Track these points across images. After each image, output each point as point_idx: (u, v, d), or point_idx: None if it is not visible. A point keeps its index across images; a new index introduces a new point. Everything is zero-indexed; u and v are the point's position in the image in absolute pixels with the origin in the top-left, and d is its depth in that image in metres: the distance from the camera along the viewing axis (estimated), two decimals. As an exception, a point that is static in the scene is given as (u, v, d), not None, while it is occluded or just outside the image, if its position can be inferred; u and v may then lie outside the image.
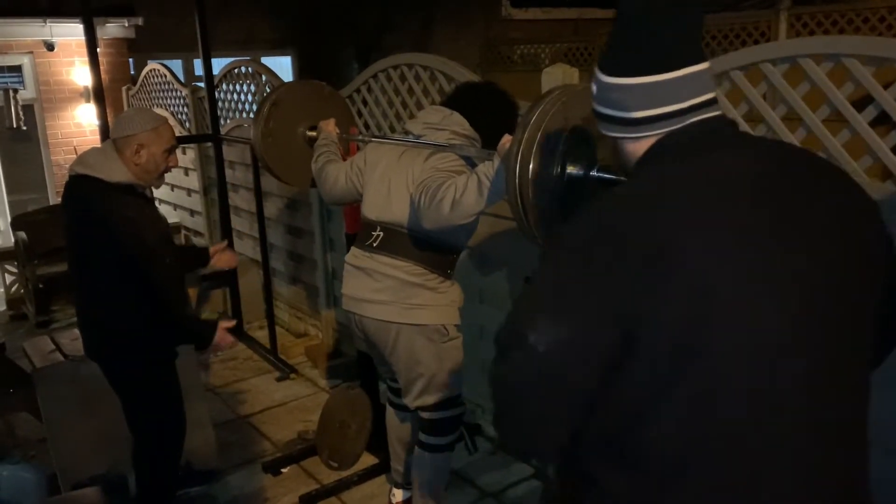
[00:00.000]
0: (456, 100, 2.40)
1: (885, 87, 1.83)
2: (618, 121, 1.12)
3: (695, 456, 1.01)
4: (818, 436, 1.02)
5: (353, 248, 2.45)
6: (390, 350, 2.37)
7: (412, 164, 2.29)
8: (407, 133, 2.42)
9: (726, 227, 0.97)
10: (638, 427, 1.02)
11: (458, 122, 2.30)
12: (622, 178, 1.51)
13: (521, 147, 1.47)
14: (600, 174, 1.53)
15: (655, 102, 1.07)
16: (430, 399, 2.41)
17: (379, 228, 2.35)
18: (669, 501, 1.04)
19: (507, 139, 1.91)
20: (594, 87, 1.15)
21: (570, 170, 1.52)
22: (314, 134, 2.86)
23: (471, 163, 2.23)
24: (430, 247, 2.28)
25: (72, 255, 2.42)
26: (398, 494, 2.81)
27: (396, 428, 2.74)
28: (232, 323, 2.53)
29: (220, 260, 2.80)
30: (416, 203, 2.15)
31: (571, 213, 1.54)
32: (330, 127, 2.79)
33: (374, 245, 2.34)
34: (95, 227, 2.28)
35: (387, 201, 2.33)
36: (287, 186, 3.81)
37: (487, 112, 2.32)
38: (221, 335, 2.43)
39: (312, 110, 2.96)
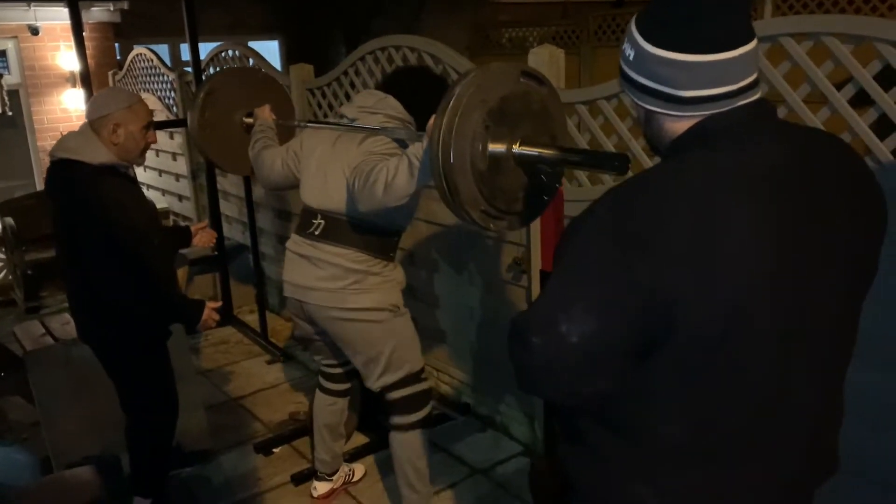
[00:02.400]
0: (391, 83, 2.40)
1: (865, 65, 1.87)
2: (661, 96, 1.03)
3: (704, 442, 1.02)
4: (816, 421, 1.08)
5: (293, 235, 2.45)
6: (340, 336, 2.39)
7: (347, 150, 2.30)
8: (341, 117, 2.42)
9: (776, 231, 0.96)
10: (655, 410, 1.02)
11: (391, 106, 2.30)
12: (544, 151, 1.59)
13: (441, 132, 1.53)
14: (521, 150, 1.61)
15: (709, 83, 1.00)
16: (391, 378, 2.41)
17: (320, 216, 2.35)
18: (666, 480, 1.06)
19: (434, 120, 1.93)
20: (631, 53, 1.06)
21: (492, 147, 1.58)
22: (251, 121, 2.86)
23: (404, 145, 2.24)
24: (370, 231, 2.29)
25: (60, 239, 2.42)
26: (319, 487, 2.78)
27: (325, 414, 2.70)
28: (219, 303, 2.56)
29: (201, 239, 2.85)
30: (351, 187, 2.16)
31: (498, 190, 1.62)
32: (265, 113, 2.80)
33: (316, 234, 2.35)
34: (82, 211, 2.28)
35: (324, 189, 2.34)
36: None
37: (421, 95, 2.30)
38: (209, 313, 2.47)
39: (249, 97, 2.96)
